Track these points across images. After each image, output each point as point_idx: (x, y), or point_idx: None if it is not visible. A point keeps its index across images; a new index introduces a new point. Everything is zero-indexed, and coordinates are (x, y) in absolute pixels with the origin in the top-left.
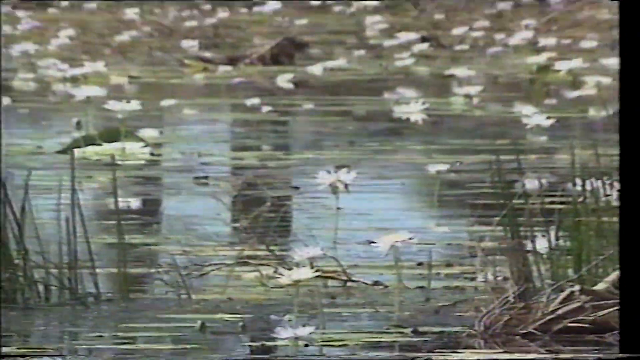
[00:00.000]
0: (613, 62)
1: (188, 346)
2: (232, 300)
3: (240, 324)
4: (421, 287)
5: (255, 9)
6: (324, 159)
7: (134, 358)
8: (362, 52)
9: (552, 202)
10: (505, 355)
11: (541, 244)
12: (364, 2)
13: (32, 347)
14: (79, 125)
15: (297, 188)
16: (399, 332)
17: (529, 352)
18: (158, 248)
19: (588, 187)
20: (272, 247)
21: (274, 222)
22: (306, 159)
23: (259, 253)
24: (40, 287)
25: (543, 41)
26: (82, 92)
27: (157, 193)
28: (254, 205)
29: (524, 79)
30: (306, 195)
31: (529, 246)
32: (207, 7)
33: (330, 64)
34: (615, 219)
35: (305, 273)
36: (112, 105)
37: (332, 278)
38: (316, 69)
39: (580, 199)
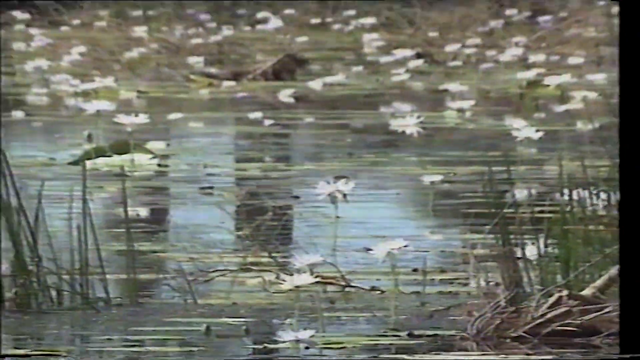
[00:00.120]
0: (599, 77)
1: (194, 349)
2: (236, 305)
3: (244, 327)
4: (416, 292)
5: (258, 27)
6: (323, 170)
7: None
8: (359, 68)
9: (541, 211)
10: (497, 357)
11: (531, 251)
12: (361, 20)
13: (45, 350)
14: (89, 137)
15: (297, 198)
16: (395, 335)
17: (519, 354)
18: (165, 255)
19: (575, 197)
20: (274, 254)
21: (275, 230)
22: (306, 170)
23: (261, 260)
24: (53, 292)
25: (532, 58)
26: (93, 106)
27: (164, 202)
28: (256, 214)
29: (514, 94)
30: (306, 204)
31: (519, 253)
32: (212, 25)
33: (329, 79)
34: (602, 227)
35: (305, 279)
36: (121, 118)
37: (332, 284)
38: (316, 84)
39: (568, 209)
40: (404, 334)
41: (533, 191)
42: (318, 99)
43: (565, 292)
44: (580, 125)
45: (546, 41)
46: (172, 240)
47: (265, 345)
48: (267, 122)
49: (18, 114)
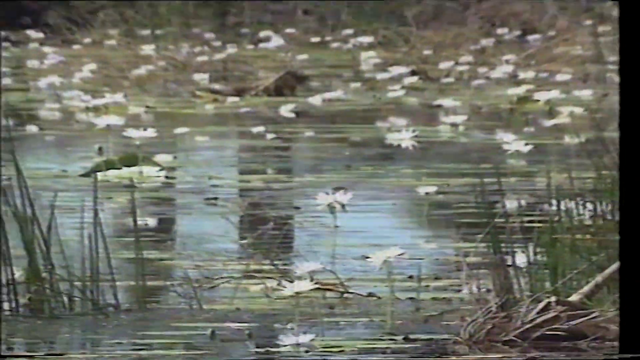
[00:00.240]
0: (585, 93)
1: (199, 352)
2: (240, 310)
3: (247, 331)
4: (411, 299)
5: (261, 45)
6: (323, 181)
7: None
8: (357, 84)
9: (530, 221)
10: None
11: (520, 259)
12: (359, 39)
13: (57, 353)
14: (100, 151)
15: (298, 208)
16: (392, 339)
17: (510, 357)
18: (172, 263)
19: (563, 208)
20: (275, 262)
21: (277, 239)
22: (307, 181)
23: (264, 267)
24: (65, 298)
25: (522, 75)
26: (103, 121)
27: (171, 213)
28: (259, 224)
29: (504, 109)
30: (307, 214)
31: (510, 261)
32: (217, 44)
33: (328, 95)
34: (588, 236)
35: (306, 285)
36: (130, 132)
37: (331, 290)
38: (316, 100)
39: (556, 218)
40: (399, 338)
41: (523, 202)
42: (318, 113)
43: (553, 298)
44: (567, 139)
45: (535, 59)
46: (179, 249)
47: (268, 348)
48: (269, 135)
49: (32, 129)
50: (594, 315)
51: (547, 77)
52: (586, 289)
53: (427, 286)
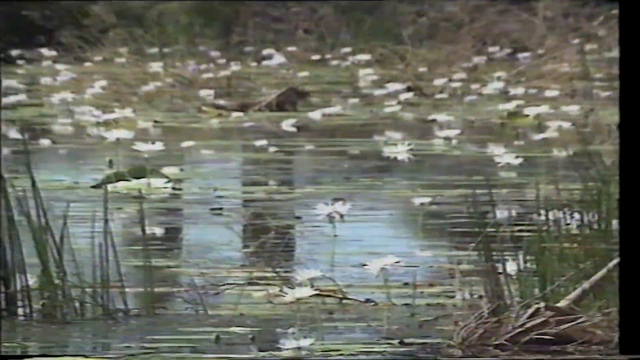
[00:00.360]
0: (573, 108)
1: (205, 355)
2: (243, 316)
3: (250, 336)
4: (407, 304)
5: (264, 63)
6: (322, 192)
7: None
8: (355, 100)
9: (520, 230)
10: None
11: (511, 267)
12: (357, 56)
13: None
14: (110, 163)
15: (299, 218)
16: (388, 343)
17: None
18: (179, 270)
19: (551, 218)
20: (277, 269)
21: (279, 248)
22: (307, 192)
23: (266, 274)
24: (77, 304)
25: (513, 91)
26: (113, 135)
27: (178, 222)
28: (261, 233)
29: (496, 123)
30: (307, 224)
31: (501, 269)
32: (222, 61)
33: (328, 110)
34: (575, 245)
35: (306, 292)
36: (139, 146)
37: (330, 296)
38: (316, 115)
39: (545, 228)
40: (396, 342)
41: (513, 212)
42: (318, 128)
43: (542, 304)
44: (555, 152)
45: (525, 76)
46: (185, 257)
47: (270, 352)
48: (272, 149)
49: (45, 142)
50: (581, 320)
51: (536, 93)
52: (574, 295)
53: (422, 292)
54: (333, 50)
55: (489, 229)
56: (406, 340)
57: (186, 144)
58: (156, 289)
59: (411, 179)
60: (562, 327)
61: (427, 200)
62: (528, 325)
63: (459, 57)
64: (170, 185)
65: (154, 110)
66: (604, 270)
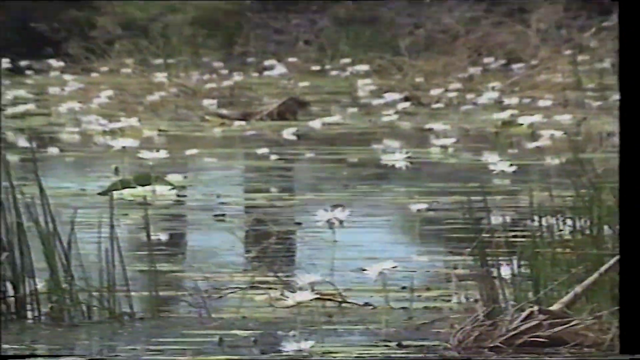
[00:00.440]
0: (565, 117)
1: (208, 358)
2: (246, 319)
3: (252, 338)
4: (404, 308)
5: (265, 73)
6: (322, 199)
7: None
8: (354, 109)
9: (514, 236)
10: None
11: (505, 271)
12: (356, 67)
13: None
14: (116, 171)
15: (299, 224)
16: (386, 346)
17: None
18: (183, 274)
19: (544, 224)
20: (279, 274)
21: (280, 253)
22: (307, 199)
23: (268, 279)
24: (84, 307)
25: (507, 100)
26: (119, 143)
27: (182, 228)
28: (263, 238)
29: (490, 132)
30: (307, 230)
31: (495, 273)
32: (225, 71)
33: (327, 119)
34: (568, 250)
35: (306, 296)
36: (144, 154)
37: (330, 300)
38: (316, 124)
39: (538, 234)
40: (393, 344)
41: (507, 218)
42: (318, 136)
43: (536, 308)
44: (548, 160)
45: (519, 86)
46: (189, 262)
47: (272, 354)
48: (273, 157)
49: (53, 150)
50: (573, 323)
51: (529, 102)
52: (566, 299)
53: (419, 296)
54: (332, 61)
55: (484, 235)
56: (404, 343)
57: (190, 152)
58: (161, 293)
59: (408, 186)
60: (555, 329)
61: (424, 206)
62: (522, 328)
63: (454, 68)
64: (174, 192)
65: (159, 119)
66: (595, 275)
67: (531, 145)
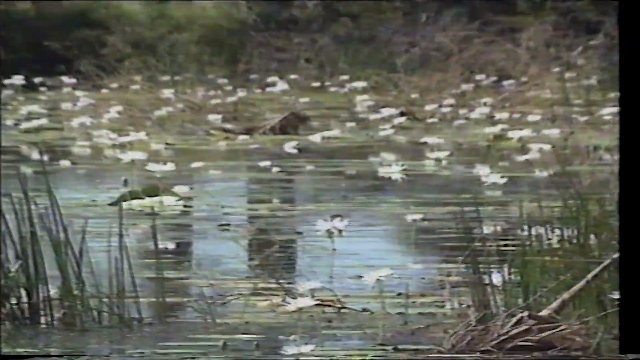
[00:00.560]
0: (553, 132)
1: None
2: (249, 324)
3: (255, 343)
4: (400, 313)
5: (268, 89)
6: (322, 210)
7: None
8: (352, 124)
9: (505, 245)
10: None
11: (497, 279)
12: (354, 84)
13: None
14: (125, 182)
15: (300, 233)
16: (383, 350)
17: None
18: (189, 281)
19: (534, 233)
20: (280, 281)
21: (282, 261)
22: (308, 209)
23: (270, 285)
24: (95, 313)
25: (498, 115)
26: (128, 156)
27: (188, 237)
28: (266, 247)
29: (482, 146)
30: (308, 239)
31: (487, 280)
32: (229, 88)
33: (327, 133)
34: (556, 258)
35: (307, 302)
36: (152, 166)
37: (329, 306)
38: (316, 138)
39: (528, 243)
40: (390, 348)
41: (498, 228)
42: (317, 150)
43: (525, 313)
44: (537, 172)
45: (509, 102)
46: (195, 269)
47: (273, 358)
48: (275, 169)
49: (65, 163)
50: (561, 328)
51: (519, 117)
52: (555, 305)
53: (414, 302)
54: (332, 78)
55: (476, 244)
56: (400, 347)
57: (196, 164)
58: (168, 299)
59: (404, 197)
60: (544, 334)
61: (419, 216)
62: (512, 332)
63: (448, 85)
64: (181, 203)
65: (166, 134)
66: (583, 282)
67: (521, 158)
